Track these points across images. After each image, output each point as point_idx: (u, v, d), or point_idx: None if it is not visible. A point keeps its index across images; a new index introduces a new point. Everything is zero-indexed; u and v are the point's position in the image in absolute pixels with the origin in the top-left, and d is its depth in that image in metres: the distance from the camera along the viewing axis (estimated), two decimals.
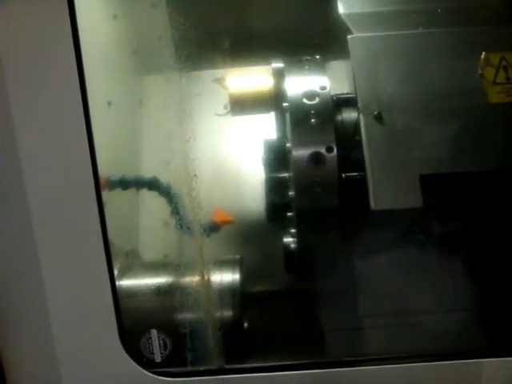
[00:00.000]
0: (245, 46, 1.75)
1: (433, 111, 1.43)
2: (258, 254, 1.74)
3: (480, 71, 1.45)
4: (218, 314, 1.49)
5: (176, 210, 1.56)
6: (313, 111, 1.47)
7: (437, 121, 1.43)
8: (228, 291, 1.52)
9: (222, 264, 1.57)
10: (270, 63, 1.63)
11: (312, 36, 1.67)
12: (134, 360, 1.34)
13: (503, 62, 1.45)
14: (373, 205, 1.38)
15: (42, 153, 1.25)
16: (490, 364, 1.34)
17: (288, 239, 1.57)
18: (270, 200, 1.59)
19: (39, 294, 1.30)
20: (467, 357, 1.35)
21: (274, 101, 1.62)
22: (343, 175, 1.45)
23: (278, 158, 1.58)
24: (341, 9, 1.56)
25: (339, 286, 1.56)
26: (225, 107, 1.72)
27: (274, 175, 1.59)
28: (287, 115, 1.49)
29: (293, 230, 1.54)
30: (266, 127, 1.69)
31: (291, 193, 1.49)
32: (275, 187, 1.57)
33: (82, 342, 1.34)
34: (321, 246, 1.55)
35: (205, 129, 1.69)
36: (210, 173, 1.67)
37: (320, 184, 1.44)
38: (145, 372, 1.34)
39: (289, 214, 1.53)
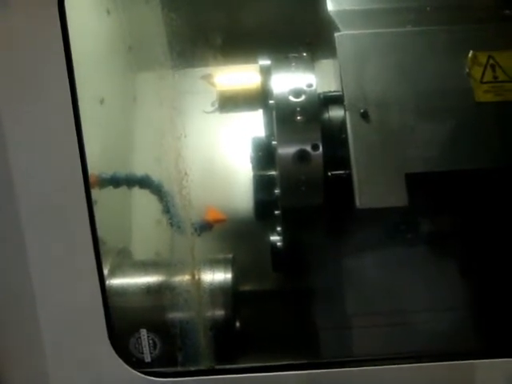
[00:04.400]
0: (236, 43, 1.74)
1: (420, 110, 1.42)
2: (250, 253, 1.73)
3: (467, 70, 1.44)
4: (210, 313, 1.48)
5: (167, 209, 1.55)
6: (299, 109, 1.46)
7: (423, 119, 1.42)
8: (220, 291, 1.51)
9: (214, 263, 1.56)
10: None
11: (301, 34, 1.67)
12: (123, 360, 1.33)
13: (491, 61, 1.44)
14: (358, 203, 1.37)
15: (32, 151, 1.25)
16: (483, 365, 1.33)
17: (275, 237, 1.56)
18: (258, 198, 1.59)
19: (27, 293, 1.29)
20: (460, 358, 1.34)
21: (261, 98, 1.62)
22: (329, 173, 1.45)
23: (265, 155, 1.57)
24: (330, 6, 1.56)
25: (326, 285, 1.56)
26: (212, 104, 1.72)
27: (262, 173, 1.58)
28: (273, 113, 1.49)
29: (279, 229, 1.54)
30: (257, 125, 1.68)
31: (278, 191, 1.49)
32: (263, 185, 1.57)
33: (71, 342, 1.34)
34: (307, 244, 1.55)
35: (197, 126, 1.69)
36: (201, 171, 1.67)
37: (305, 182, 1.44)
38: (134, 372, 1.34)
39: (276, 212, 1.52)
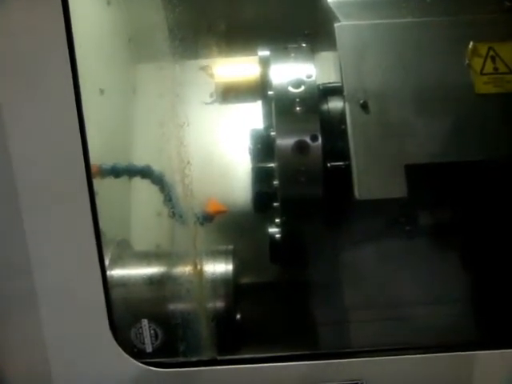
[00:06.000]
0: (235, 34, 1.73)
1: (419, 101, 1.42)
2: (249, 245, 1.73)
3: (467, 61, 1.44)
4: (211, 304, 1.48)
5: (168, 198, 1.55)
6: (298, 99, 1.46)
7: (423, 111, 1.42)
8: (221, 282, 1.52)
9: (215, 254, 1.56)
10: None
11: (301, 24, 1.67)
12: (125, 350, 1.34)
13: (491, 52, 1.44)
14: (357, 195, 1.38)
15: (33, 141, 1.25)
16: (482, 356, 1.34)
17: (273, 229, 1.56)
18: (257, 190, 1.59)
19: (28, 284, 1.29)
20: (460, 349, 1.35)
21: (260, 89, 1.62)
22: (328, 164, 1.45)
23: (264, 147, 1.56)
24: None
25: (325, 277, 1.55)
26: (211, 95, 1.72)
27: (261, 165, 1.57)
28: (272, 103, 1.49)
29: (278, 220, 1.53)
30: (257, 116, 1.68)
31: (276, 182, 1.48)
32: (261, 177, 1.56)
33: (72, 332, 1.34)
34: (306, 236, 1.54)
35: (196, 118, 1.68)
36: (201, 163, 1.66)
37: (304, 173, 1.44)
38: (135, 362, 1.34)
39: (275, 203, 1.52)
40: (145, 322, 1.44)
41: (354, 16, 1.50)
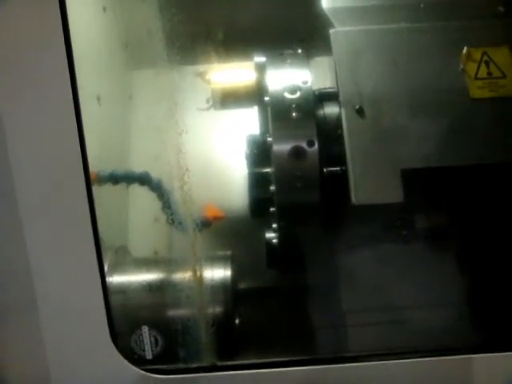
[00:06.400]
0: (231, 40, 1.75)
1: (415, 106, 1.43)
2: (246, 250, 1.73)
3: (462, 66, 1.45)
4: (210, 310, 1.48)
5: (168, 205, 1.55)
6: (294, 105, 1.47)
7: (419, 115, 1.43)
8: (220, 288, 1.52)
9: (213, 260, 1.56)
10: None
11: (296, 31, 1.67)
12: (125, 357, 1.33)
13: (485, 57, 1.45)
14: (354, 199, 1.38)
15: (32, 148, 1.25)
16: (481, 360, 1.34)
17: (270, 234, 1.57)
18: (253, 195, 1.59)
19: (29, 290, 1.29)
20: (458, 353, 1.34)
21: (256, 95, 1.63)
22: (324, 170, 1.45)
23: (260, 152, 1.57)
24: (324, 3, 1.56)
25: (322, 281, 1.56)
26: (207, 101, 1.73)
27: (257, 170, 1.58)
28: (268, 109, 1.49)
29: (275, 225, 1.54)
30: (253, 122, 1.69)
31: (273, 187, 1.49)
32: (258, 182, 1.57)
33: (72, 339, 1.34)
34: (302, 241, 1.55)
35: (194, 123, 1.69)
36: (200, 167, 1.66)
37: (301, 178, 1.44)
38: (135, 369, 1.34)
39: (272, 209, 1.53)
40: (145, 328, 1.44)
41: (349, 22, 1.50)
